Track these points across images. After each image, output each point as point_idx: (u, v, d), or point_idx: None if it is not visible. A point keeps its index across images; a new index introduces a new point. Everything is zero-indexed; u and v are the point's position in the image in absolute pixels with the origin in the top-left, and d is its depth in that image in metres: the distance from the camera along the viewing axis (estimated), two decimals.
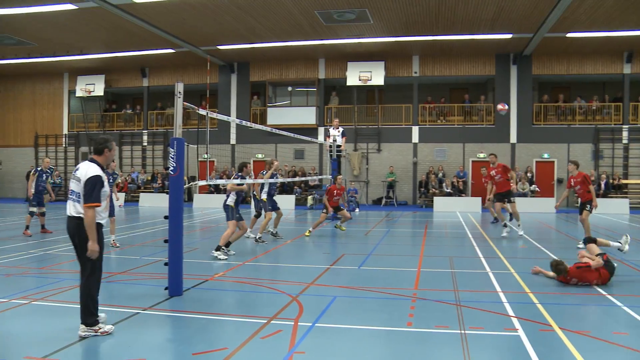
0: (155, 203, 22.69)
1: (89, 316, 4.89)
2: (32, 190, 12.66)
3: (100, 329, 4.93)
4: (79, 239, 4.86)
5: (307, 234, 12.48)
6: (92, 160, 5.04)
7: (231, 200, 9.51)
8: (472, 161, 24.23)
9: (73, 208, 4.89)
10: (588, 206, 10.24)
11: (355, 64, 24.26)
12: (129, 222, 16.61)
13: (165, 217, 6.59)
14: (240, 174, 9.93)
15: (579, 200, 10.62)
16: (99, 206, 4.86)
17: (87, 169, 4.93)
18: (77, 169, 5.01)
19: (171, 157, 6.50)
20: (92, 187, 4.84)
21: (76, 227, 4.86)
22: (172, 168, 6.50)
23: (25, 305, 5.96)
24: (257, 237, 11.27)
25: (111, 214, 10.59)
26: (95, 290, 4.94)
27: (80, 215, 4.85)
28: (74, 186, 4.94)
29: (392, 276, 7.95)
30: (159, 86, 27.98)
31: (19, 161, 29.48)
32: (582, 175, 10.44)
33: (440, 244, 11.97)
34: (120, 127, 28.59)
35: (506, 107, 15.70)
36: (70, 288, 6.69)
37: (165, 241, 6.57)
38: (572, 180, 10.57)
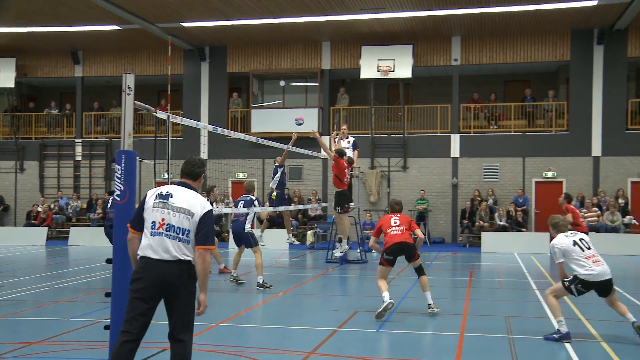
0: (92, 241, 22.63)
1: None
2: None
3: None
4: (184, 290, 5.17)
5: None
6: (189, 187, 5.44)
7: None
8: (536, 182, 24.17)
9: (177, 249, 5.16)
10: None
11: (372, 48, 24.44)
12: (52, 268, 16.55)
13: (108, 261, 6.59)
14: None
15: None
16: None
17: (199, 200, 5.31)
18: (169, 194, 5.30)
19: (117, 177, 6.53)
20: (212, 226, 5.30)
21: (183, 275, 5.16)
22: (118, 192, 6.52)
23: None
24: (262, 281, 12.32)
25: None
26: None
27: (189, 259, 5.18)
28: (177, 220, 5.20)
29: (425, 342, 8.03)
30: (98, 77, 28.14)
31: None
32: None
33: (491, 298, 11.95)
34: (42, 133, 28.58)
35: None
36: None
37: (107, 295, 6.54)
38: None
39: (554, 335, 7.92)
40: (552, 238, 8.58)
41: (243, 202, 12.55)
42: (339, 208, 14.56)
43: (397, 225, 9.70)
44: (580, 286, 7.94)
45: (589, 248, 8.10)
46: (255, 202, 12.57)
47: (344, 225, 14.59)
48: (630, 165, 23.59)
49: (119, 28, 24.17)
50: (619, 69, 23.73)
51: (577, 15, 22.11)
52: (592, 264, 7.92)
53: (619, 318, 8.27)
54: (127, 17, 22.02)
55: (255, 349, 7.62)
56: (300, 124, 16.13)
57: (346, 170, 14.63)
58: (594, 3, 20.68)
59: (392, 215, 10.00)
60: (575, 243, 8.10)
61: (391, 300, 9.00)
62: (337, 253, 14.23)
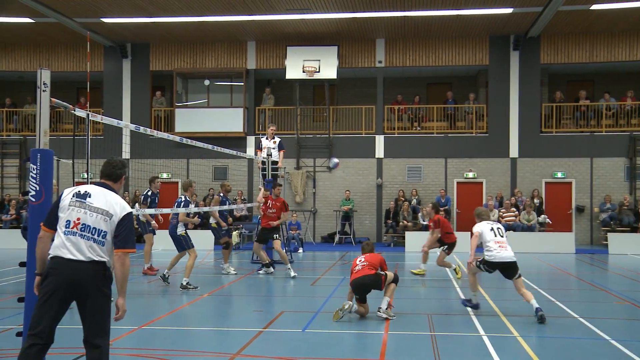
0: (4, 243, 21.81)
1: None
2: None
3: None
4: (97, 291, 5.00)
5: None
6: (109, 188, 5.31)
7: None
8: (458, 182, 24.89)
9: (91, 250, 5.02)
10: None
11: (298, 49, 24.56)
12: None
13: (21, 264, 6.37)
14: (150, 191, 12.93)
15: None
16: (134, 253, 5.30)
17: (119, 202, 5.20)
18: (87, 194, 5.16)
19: (32, 177, 6.32)
20: (132, 228, 5.21)
21: (96, 275, 5.00)
22: (33, 192, 6.31)
23: None
24: (186, 283, 12.17)
25: None
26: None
27: (104, 260, 5.05)
28: (94, 220, 5.09)
29: (350, 342, 8.14)
30: (10, 72, 27.20)
31: None
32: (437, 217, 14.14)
33: (415, 297, 12.19)
34: None
35: (335, 161, 18.11)
36: None
37: (20, 299, 6.30)
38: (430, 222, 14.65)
39: (467, 302, 9.75)
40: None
41: (176, 203, 12.41)
42: (270, 240, 14.39)
43: (361, 263, 9.58)
44: (486, 266, 9.51)
45: (502, 236, 9.56)
46: (182, 203, 12.33)
47: (278, 250, 14.37)
48: (544, 167, 24.60)
49: (33, 21, 23.37)
50: (534, 74, 24.75)
51: (495, 21, 22.95)
52: (498, 248, 9.39)
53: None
54: (41, 10, 21.29)
55: (179, 351, 7.51)
56: (334, 166, 18.01)
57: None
58: (509, 10, 21.50)
59: (360, 256, 9.86)
60: (492, 229, 9.57)
61: (350, 303, 9.18)
62: (292, 274, 13.96)
